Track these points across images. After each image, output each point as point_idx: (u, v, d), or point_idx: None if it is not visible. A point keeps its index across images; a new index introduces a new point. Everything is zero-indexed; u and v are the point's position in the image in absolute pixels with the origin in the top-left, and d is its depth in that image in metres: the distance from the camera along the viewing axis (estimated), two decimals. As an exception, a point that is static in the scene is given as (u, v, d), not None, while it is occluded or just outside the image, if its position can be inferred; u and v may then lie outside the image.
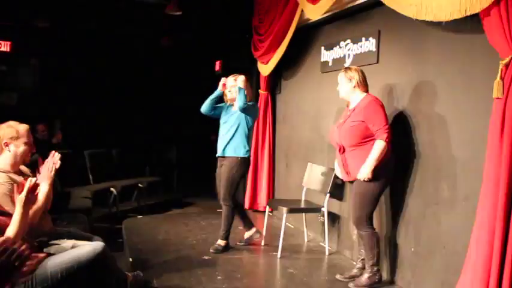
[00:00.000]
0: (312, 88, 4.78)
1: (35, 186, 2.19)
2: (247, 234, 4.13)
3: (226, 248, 3.95)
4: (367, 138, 3.09)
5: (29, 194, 2.14)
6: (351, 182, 3.27)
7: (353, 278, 3.32)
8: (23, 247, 1.64)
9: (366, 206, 3.13)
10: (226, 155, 3.92)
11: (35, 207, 2.28)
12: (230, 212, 3.92)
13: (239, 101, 3.78)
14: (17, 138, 2.49)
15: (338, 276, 3.35)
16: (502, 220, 2.22)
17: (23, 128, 2.54)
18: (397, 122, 3.42)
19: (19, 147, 2.50)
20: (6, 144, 2.47)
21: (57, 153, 2.59)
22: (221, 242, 3.95)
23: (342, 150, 3.22)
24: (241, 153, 3.89)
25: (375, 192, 3.11)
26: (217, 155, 4.03)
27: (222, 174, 3.92)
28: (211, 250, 3.88)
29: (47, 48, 7.37)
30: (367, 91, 3.25)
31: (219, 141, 4.01)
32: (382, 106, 3.12)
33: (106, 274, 2.36)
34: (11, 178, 2.43)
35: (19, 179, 2.47)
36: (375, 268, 3.17)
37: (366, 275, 3.18)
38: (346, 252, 4.03)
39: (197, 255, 3.79)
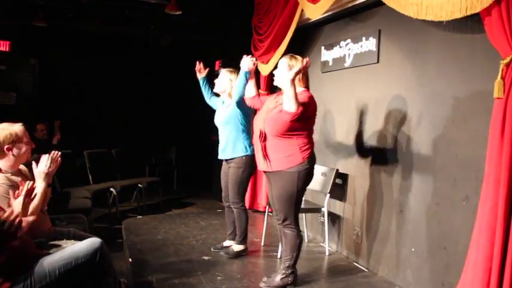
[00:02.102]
0: (312, 88, 4.72)
1: (32, 189, 2.18)
2: (229, 243, 3.92)
3: (244, 252, 3.81)
4: (293, 131, 2.93)
5: (26, 198, 2.14)
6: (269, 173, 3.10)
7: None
8: (14, 216, 1.63)
9: (294, 203, 3.01)
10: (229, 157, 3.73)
11: (32, 206, 2.28)
12: (243, 214, 3.76)
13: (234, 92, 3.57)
14: (19, 140, 2.47)
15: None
16: (502, 220, 2.21)
17: (18, 128, 2.51)
18: (397, 121, 3.42)
19: (22, 149, 2.49)
20: (9, 149, 2.45)
21: (58, 153, 2.57)
22: (236, 247, 3.80)
23: (263, 137, 3.01)
24: (244, 151, 3.68)
25: (300, 188, 2.99)
26: (223, 158, 3.83)
27: (230, 176, 3.73)
28: (223, 253, 3.77)
29: (46, 48, 7.36)
30: (306, 87, 3.08)
31: (220, 139, 3.82)
32: (314, 106, 3.03)
33: (104, 270, 2.35)
34: (9, 179, 2.42)
35: (17, 179, 2.47)
36: (290, 270, 3.07)
37: (279, 276, 3.07)
38: (346, 252, 4.02)
39: (197, 255, 3.79)
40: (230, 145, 3.71)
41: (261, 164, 3.12)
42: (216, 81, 3.92)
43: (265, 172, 3.17)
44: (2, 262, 1.89)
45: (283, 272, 3.09)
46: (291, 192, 2.98)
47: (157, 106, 8.21)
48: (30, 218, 2.18)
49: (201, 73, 4.08)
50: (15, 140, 2.46)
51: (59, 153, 2.59)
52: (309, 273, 3.47)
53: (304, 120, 2.92)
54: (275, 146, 2.99)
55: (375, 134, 3.69)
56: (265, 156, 3.03)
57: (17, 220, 1.64)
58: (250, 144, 3.68)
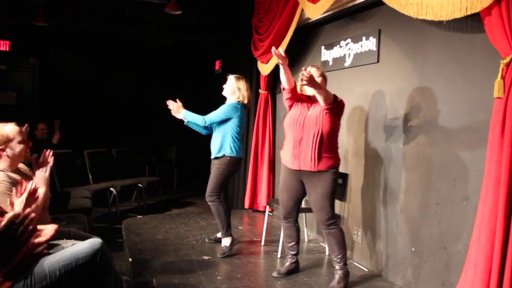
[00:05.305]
0: (312, 88, 4.77)
1: (35, 190, 2.18)
2: (220, 235, 4.06)
3: (234, 242, 3.90)
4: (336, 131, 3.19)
5: (29, 197, 2.14)
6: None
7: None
8: (31, 217, 1.60)
9: (334, 200, 3.16)
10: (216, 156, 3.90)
11: (33, 206, 2.28)
12: (220, 207, 3.86)
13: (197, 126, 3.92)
14: (10, 141, 2.46)
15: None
16: (502, 220, 2.21)
17: (10, 129, 2.49)
18: (397, 121, 3.41)
19: (15, 149, 2.48)
20: (2, 150, 2.45)
21: (48, 151, 2.57)
22: (225, 242, 3.87)
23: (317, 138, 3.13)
24: (230, 152, 3.83)
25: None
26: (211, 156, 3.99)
27: (212, 171, 3.90)
28: (219, 255, 3.78)
29: (46, 48, 7.36)
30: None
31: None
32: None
33: (105, 270, 2.35)
34: (9, 176, 2.42)
35: (17, 177, 2.47)
36: (347, 266, 3.17)
37: (343, 281, 3.13)
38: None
39: (197, 255, 3.79)
40: (218, 144, 3.86)
41: (303, 164, 3.07)
42: (224, 86, 3.97)
43: (295, 172, 3.15)
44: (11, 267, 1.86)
45: (343, 273, 3.13)
46: (335, 189, 3.11)
47: (157, 106, 8.18)
48: (53, 228, 2.16)
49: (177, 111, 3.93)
50: (6, 141, 2.45)
51: (51, 151, 2.58)
52: (309, 273, 3.47)
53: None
54: (326, 147, 3.05)
55: (375, 134, 3.69)
56: (315, 157, 3.02)
57: (31, 225, 1.60)
58: (238, 147, 3.88)
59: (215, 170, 3.87)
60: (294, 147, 3.09)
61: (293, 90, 3.14)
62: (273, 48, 2.95)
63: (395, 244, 3.38)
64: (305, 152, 3.04)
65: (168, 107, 3.93)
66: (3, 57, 7.23)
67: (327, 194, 3.08)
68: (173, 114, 3.93)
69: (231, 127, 3.85)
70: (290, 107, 3.23)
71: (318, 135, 3.00)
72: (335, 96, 2.97)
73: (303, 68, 2.82)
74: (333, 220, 3.12)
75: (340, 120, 3.15)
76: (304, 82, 2.74)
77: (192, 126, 3.99)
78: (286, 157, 3.18)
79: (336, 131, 3.10)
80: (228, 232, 3.89)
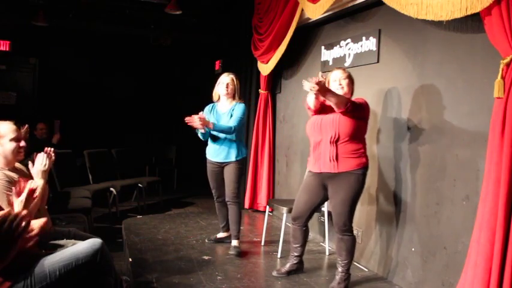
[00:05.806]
0: (312, 88, 4.77)
1: (34, 189, 2.18)
2: (222, 235, 4.13)
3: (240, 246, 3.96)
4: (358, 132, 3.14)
5: (28, 197, 2.13)
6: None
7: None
8: (23, 214, 1.60)
9: (355, 205, 3.08)
10: (231, 160, 3.85)
11: (31, 205, 2.28)
12: (240, 209, 3.94)
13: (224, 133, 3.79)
14: (0, 137, 2.47)
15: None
16: (502, 220, 2.21)
17: (4, 127, 2.50)
18: (397, 121, 3.42)
19: (5, 145, 2.48)
20: None
21: (50, 149, 2.58)
22: (236, 243, 3.91)
23: (335, 140, 3.06)
24: (244, 153, 3.93)
25: (362, 190, 3.10)
26: (215, 161, 3.93)
27: (230, 175, 3.85)
28: (231, 252, 3.80)
29: (46, 47, 7.36)
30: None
31: (214, 145, 3.92)
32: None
33: (105, 271, 2.35)
34: (6, 175, 2.42)
35: (15, 176, 2.47)
36: (348, 272, 3.14)
37: (343, 284, 3.12)
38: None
39: (197, 255, 3.78)
40: (234, 149, 3.85)
41: (324, 166, 3.04)
42: (226, 86, 3.87)
43: (317, 175, 3.12)
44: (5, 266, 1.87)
45: (345, 276, 3.12)
46: (357, 194, 3.02)
47: (157, 106, 8.20)
48: (42, 221, 2.15)
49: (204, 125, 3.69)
50: None
51: (52, 149, 2.60)
52: (309, 273, 3.47)
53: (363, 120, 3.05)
54: (346, 148, 2.99)
55: (374, 134, 3.69)
56: (333, 158, 2.98)
57: (24, 221, 1.61)
58: (246, 147, 4.02)
59: (235, 171, 3.86)
60: (314, 149, 3.12)
61: (317, 110, 3.13)
62: (306, 81, 2.74)
63: (396, 244, 3.38)
64: (324, 154, 3.03)
65: (194, 124, 3.63)
66: (3, 57, 7.23)
67: (348, 199, 3.00)
68: (199, 127, 3.70)
69: (242, 129, 3.96)
70: (313, 115, 3.24)
71: (335, 136, 2.97)
72: (350, 100, 2.91)
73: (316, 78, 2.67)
74: (349, 227, 3.06)
75: (367, 121, 3.09)
76: (315, 91, 2.70)
77: (198, 133, 3.86)
78: (310, 161, 3.21)
79: (358, 132, 3.01)
80: (239, 234, 3.95)
